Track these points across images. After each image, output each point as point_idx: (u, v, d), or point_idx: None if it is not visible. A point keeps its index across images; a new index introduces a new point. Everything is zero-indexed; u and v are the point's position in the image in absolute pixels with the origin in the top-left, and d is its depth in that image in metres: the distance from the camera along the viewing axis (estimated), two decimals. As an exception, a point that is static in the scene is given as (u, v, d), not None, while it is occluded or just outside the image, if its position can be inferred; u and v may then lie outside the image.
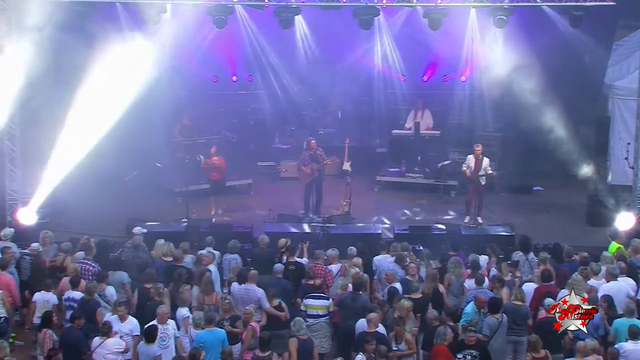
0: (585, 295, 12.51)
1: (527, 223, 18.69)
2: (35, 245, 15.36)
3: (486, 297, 13.21)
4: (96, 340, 12.15)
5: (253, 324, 12.75)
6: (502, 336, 12.81)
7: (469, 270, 14.35)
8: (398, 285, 13.93)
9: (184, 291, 13.54)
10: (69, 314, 13.29)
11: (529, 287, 13.83)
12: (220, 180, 19.45)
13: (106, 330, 12.15)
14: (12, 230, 15.94)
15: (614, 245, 15.57)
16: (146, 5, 17.91)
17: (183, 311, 13.01)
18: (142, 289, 13.83)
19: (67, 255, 15.00)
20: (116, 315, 12.64)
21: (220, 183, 19.45)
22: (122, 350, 12.14)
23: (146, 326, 12.38)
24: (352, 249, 15.08)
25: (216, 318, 12.61)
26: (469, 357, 12.08)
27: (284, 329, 13.12)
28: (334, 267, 14.78)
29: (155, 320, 12.46)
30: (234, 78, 22.19)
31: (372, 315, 12.55)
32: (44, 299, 13.68)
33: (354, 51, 21.75)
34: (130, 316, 12.86)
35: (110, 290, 13.67)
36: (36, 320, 13.42)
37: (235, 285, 13.83)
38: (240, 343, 12.71)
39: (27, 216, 17.90)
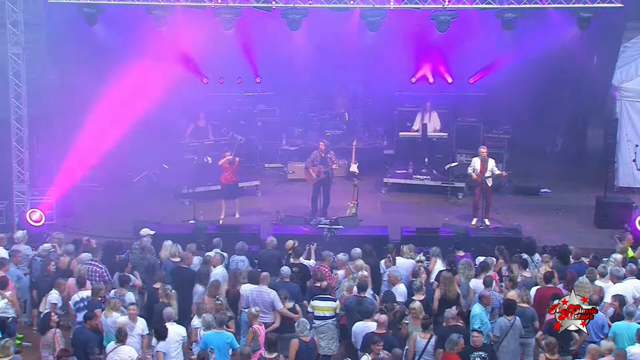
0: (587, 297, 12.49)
1: (535, 225, 18.63)
2: (47, 246, 15.34)
3: (492, 296, 13.23)
4: (111, 344, 12.11)
5: (256, 325, 12.74)
6: (515, 338, 12.78)
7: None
8: (402, 287, 13.93)
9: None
10: (79, 315, 13.27)
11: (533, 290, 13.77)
12: (234, 183, 19.35)
13: (122, 337, 12.00)
14: (25, 232, 15.94)
15: (630, 251, 15.51)
16: (153, 7, 17.95)
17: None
18: (151, 291, 13.87)
19: (72, 258, 14.94)
20: (126, 316, 12.64)
21: (233, 186, 19.33)
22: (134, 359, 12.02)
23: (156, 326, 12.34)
24: (357, 250, 14.93)
25: (226, 320, 12.61)
26: (478, 359, 12.07)
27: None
28: (341, 272, 14.64)
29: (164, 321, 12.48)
30: (239, 81, 22.20)
31: (382, 316, 12.53)
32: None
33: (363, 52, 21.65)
34: (138, 317, 12.85)
35: (129, 297, 13.46)
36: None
37: (246, 287, 13.77)
38: None
39: (37, 218, 17.98)
